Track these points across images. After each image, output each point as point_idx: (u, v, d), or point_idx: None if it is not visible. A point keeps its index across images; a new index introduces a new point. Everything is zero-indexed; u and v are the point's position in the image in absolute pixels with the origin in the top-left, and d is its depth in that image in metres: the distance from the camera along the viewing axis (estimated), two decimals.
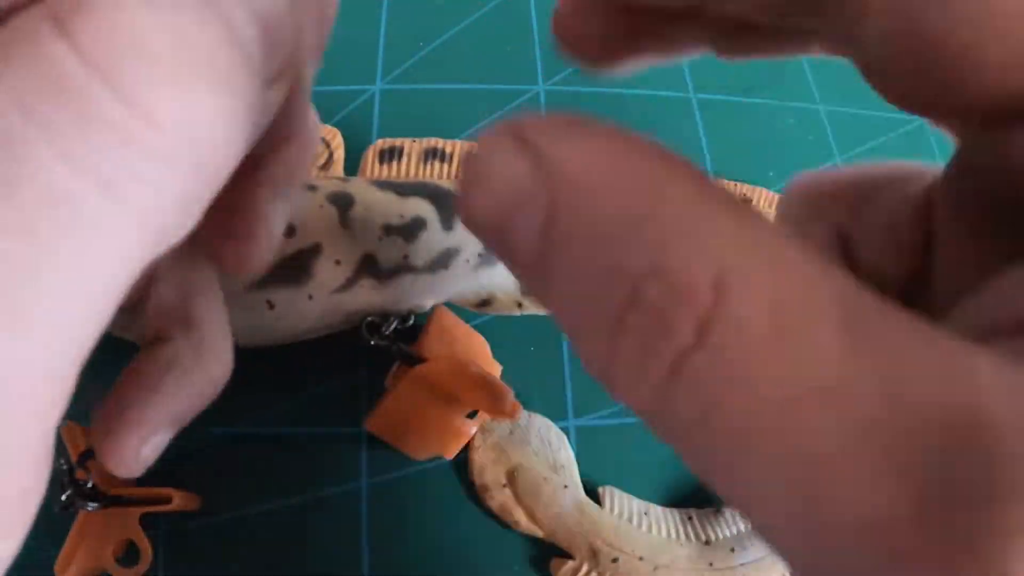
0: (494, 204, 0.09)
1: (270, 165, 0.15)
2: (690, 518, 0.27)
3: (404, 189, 0.26)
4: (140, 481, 0.25)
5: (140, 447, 0.14)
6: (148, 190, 0.09)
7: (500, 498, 0.26)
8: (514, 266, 0.09)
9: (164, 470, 0.25)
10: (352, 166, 0.29)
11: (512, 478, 0.26)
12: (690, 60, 0.35)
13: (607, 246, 0.08)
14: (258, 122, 0.11)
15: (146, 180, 0.09)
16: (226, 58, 0.10)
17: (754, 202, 0.31)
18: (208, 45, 0.09)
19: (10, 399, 0.08)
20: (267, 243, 0.15)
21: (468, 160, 0.09)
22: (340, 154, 0.29)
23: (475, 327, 0.27)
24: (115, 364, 0.26)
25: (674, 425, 0.08)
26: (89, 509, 0.23)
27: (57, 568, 0.23)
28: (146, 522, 0.24)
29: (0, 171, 0.08)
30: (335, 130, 0.30)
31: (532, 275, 0.09)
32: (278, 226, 0.15)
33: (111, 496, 0.24)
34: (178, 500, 0.24)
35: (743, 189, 0.31)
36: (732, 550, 0.26)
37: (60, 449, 0.23)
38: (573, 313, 0.09)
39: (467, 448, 0.26)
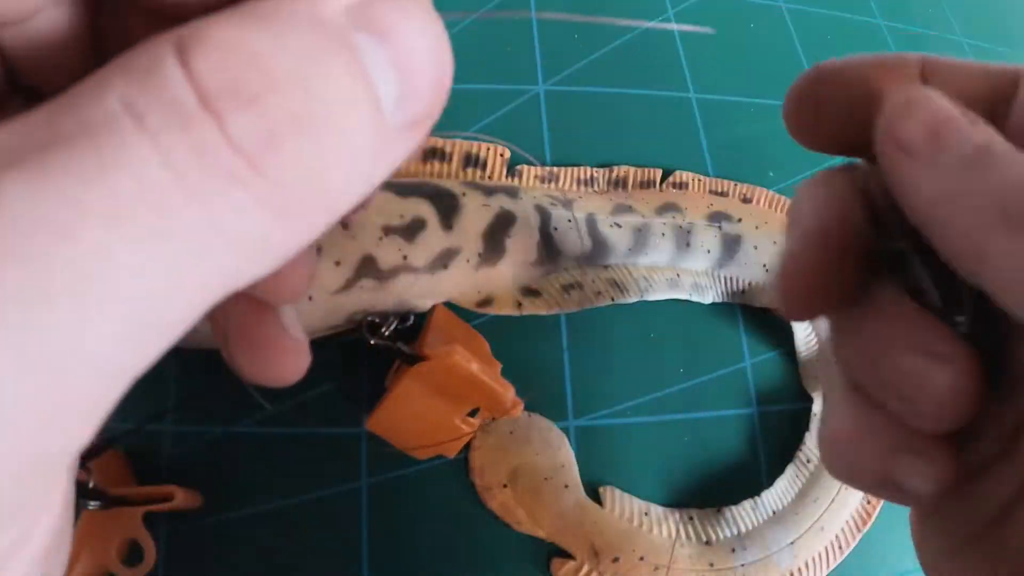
0: (930, 118, 0.12)
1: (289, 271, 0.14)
2: (691, 518, 0.27)
3: (404, 189, 0.26)
4: (141, 480, 0.25)
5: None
6: (244, 226, 0.09)
7: (501, 498, 0.26)
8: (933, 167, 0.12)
9: (164, 470, 0.25)
10: None
11: (513, 478, 0.26)
12: (690, 60, 0.35)
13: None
14: (378, 177, 0.10)
15: (244, 218, 0.09)
16: (356, 112, 0.09)
17: (754, 202, 0.31)
18: (336, 93, 0.09)
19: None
20: (296, 351, 0.15)
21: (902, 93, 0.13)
22: None
23: (475, 327, 0.27)
24: None
25: None
26: (91, 508, 0.23)
27: None
28: (147, 522, 0.24)
29: (99, 156, 0.08)
30: None
31: (954, 170, 0.12)
32: (296, 330, 0.15)
33: (113, 496, 0.24)
34: (180, 498, 0.24)
35: (743, 189, 0.31)
36: (732, 550, 0.26)
37: None
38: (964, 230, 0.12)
39: (467, 448, 0.26)
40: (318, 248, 0.23)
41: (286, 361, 0.14)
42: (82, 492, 0.23)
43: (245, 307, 0.14)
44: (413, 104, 0.10)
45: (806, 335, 0.29)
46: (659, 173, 0.31)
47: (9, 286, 0.07)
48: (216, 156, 0.08)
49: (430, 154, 0.29)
